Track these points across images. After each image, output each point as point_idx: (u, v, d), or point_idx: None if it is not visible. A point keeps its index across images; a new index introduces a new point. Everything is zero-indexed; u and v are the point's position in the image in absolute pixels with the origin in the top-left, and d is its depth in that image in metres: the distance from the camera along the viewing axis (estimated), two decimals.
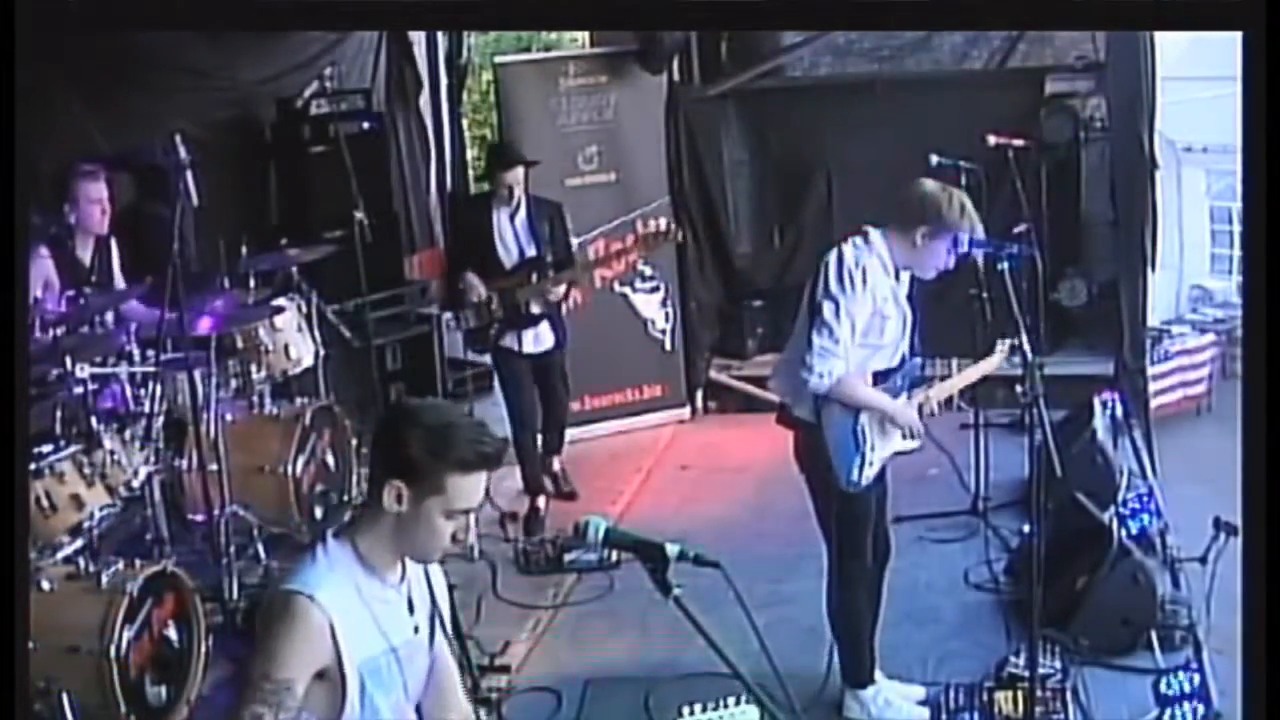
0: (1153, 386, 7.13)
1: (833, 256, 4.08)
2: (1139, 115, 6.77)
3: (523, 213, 6.09)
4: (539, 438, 6.44)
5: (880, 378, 4.16)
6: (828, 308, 4.02)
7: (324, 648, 2.46)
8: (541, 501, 6.34)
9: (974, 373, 4.51)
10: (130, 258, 5.83)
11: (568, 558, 5.77)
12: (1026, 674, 4.12)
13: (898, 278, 4.15)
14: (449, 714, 2.80)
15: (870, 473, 4.18)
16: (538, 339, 6.17)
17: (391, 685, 2.59)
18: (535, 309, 6.09)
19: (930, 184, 4.11)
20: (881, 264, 4.08)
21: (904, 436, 4.23)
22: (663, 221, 6.29)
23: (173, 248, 4.85)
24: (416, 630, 2.65)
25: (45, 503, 4.29)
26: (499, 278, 6.06)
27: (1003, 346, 4.31)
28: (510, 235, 6.09)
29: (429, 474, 2.46)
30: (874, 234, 4.11)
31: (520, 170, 6.05)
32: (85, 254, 5.57)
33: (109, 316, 5.45)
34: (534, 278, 6.05)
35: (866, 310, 4.05)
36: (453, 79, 9.04)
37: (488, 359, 6.88)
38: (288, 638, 2.44)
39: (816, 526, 4.39)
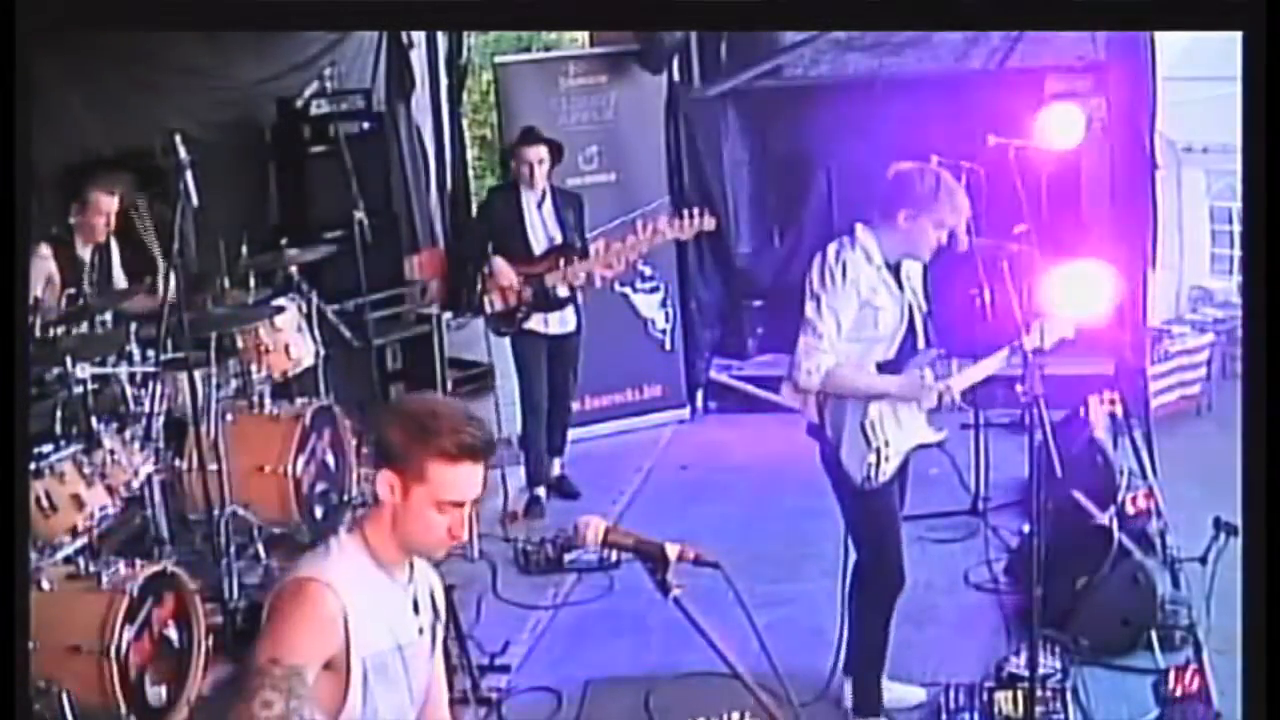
0: (1152, 386, 7.13)
1: (817, 257, 4.12)
2: (1139, 115, 6.78)
3: (549, 202, 6.27)
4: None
5: (885, 370, 4.12)
6: (810, 306, 4.06)
7: (335, 636, 2.45)
8: (541, 491, 6.38)
9: (1000, 358, 4.29)
10: (130, 258, 5.84)
11: (568, 558, 5.77)
12: (1026, 674, 4.11)
13: (896, 271, 4.13)
14: None
15: (888, 468, 4.10)
16: (563, 321, 6.34)
17: (395, 684, 2.58)
18: (562, 292, 6.25)
19: (900, 167, 4.12)
20: (865, 255, 4.08)
21: (929, 424, 4.18)
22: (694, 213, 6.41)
23: (173, 248, 4.85)
24: (421, 632, 2.65)
25: (45, 503, 4.28)
26: (528, 263, 6.19)
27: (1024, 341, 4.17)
28: (538, 222, 6.26)
29: (411, 463, 2.47)
30: (859, 229, 4.13)
31: (542, 149, 6.20)
32: (85, 253, 5.58)
33: (108, 316, 5.46)
34: (561, 263, 6.20)
35: (852, 304, 4.04)
36: (453, 79, 9.06)
37: (487, 359, 6.92)
38: (301, 623, 2.43)
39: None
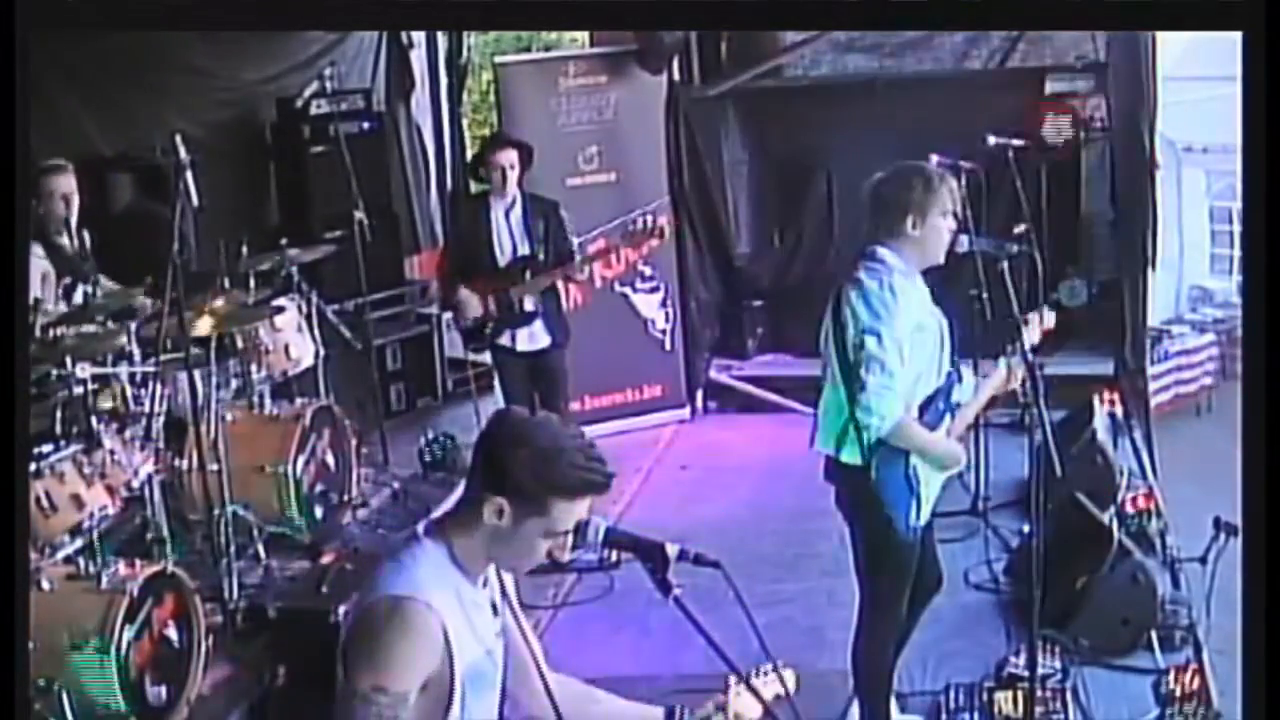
0: (1152, 386, 7.14)
1: (852, 291, 3.79)
2: (1139, 115, 6.79)
3: (518, 209, 6.02)
4: None
5: (926, 404, 3.88)
6: (871, 341, 3.71)
7: (438, 655, 2.37)
8: None
9: (987, 392, 4.11)
10: (127, 258, 5.82)
11: (568, 558, 5.76)
12: (1026, 674, 4.11)
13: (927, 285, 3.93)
14: (531, 694, 2.73)
15: (926, 511, 3.96)
16: (533, 337, 6.09)
17: (487, 688, 2.53)
18: (529, 306, 6.04)
19: (883, 180, 3.90)
20: (905, 276, 3.83)
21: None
22: (649, 218, 6.28)
23: (173, 248, 4.84)
24: (499, 635, 2.60)
25: (45, 503, 4.27)
26: (493, 276, 6.01)
27: (1009, 360, 4.05)
28: (505, 233, 6.03)
29: (532, 496, 2.39)
30: (883, 252, 3.84)
31: (512, 153, 5.95)
32: (64, 241, 5.51)
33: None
34: (527, 275, 5.99)
35: (908, 330, 3.75)
36: (453, 79, 9.06)
37: (488, 358, 6.90)
38: (405, 646, 2.33)
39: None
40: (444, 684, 2.40)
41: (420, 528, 2.52)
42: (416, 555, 2.44)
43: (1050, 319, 4.19)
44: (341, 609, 2.48)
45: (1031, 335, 4.12)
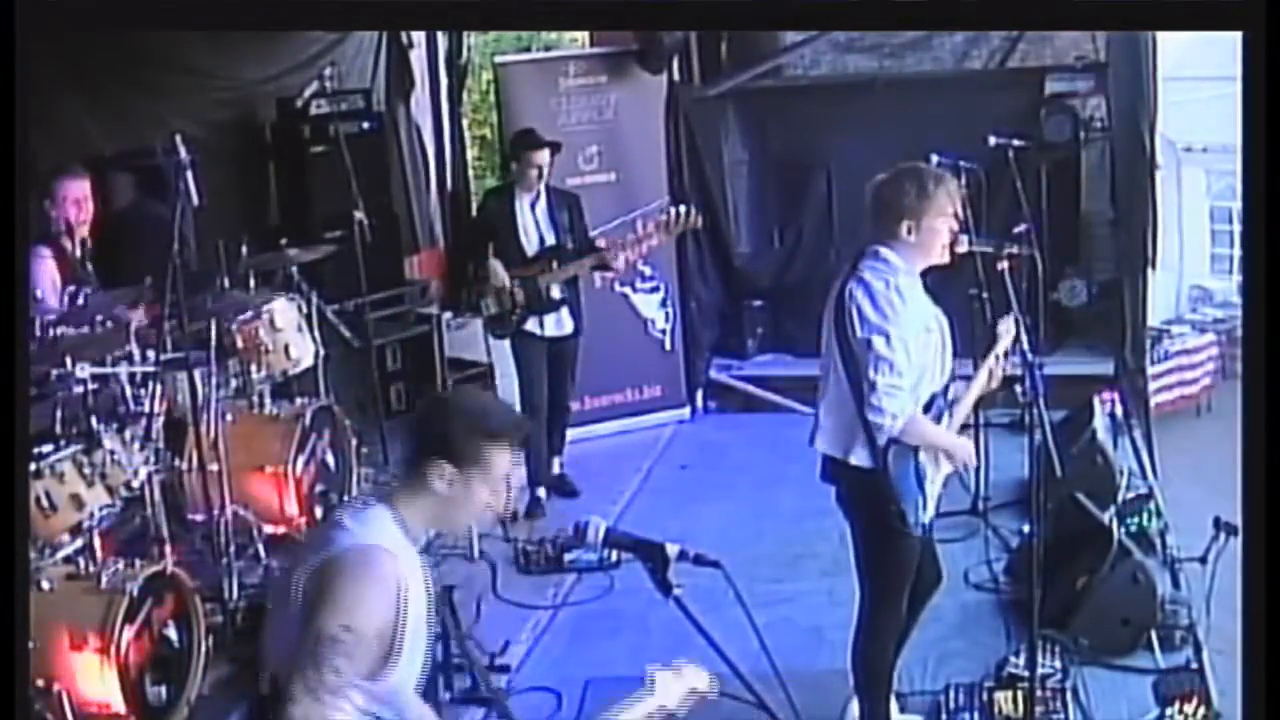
0: (1152, 386, 7.14)
1: (858, 290, 3.79)
2: (1139, 115, 6.78)
3: (543, 201, 6.24)
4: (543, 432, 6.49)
5: (928, 403, 3.88)
6: (879, 341, 3.71)
7: (396, 603, 2.52)
8: (542, 491, 6.40)
9: (980, 382, 4.13)
10: (127, 258, 5.82)
11: (568, 558, 5.77)
12: (1026, 674, 4.12)
13: (925, 285, 3.93)
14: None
15: (932, 509, 3.97)
16: (559, 323, 6.31)
17: (418, 653, 2.64)
18: (556, 294, 6.22)
19: (881, 183, 3.90)
20: (910, 277, 3.84)
21: (959, 466, 4.03)
22: (682, 209, 6.38)
23: (173, 248, 4.84)
24: (427, 608, 2.71)
25: (45, 503, 4.28)
26: (521, 265, 6.17)
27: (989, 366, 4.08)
28: (531, 223, 6.23)
29: (469, 449, 2.63)
30: (884, 251, 3.85)
31: (546, 153, 6.19)
32: (76, 250, 5.53)
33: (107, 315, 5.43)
34: (555, 265, 6.18)
35: (916, 330, 3.77)
36: (453, 79, 9.06)
37: (486, 359, 6.91)
38: (373, 590, 2.49)
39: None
40: (391, 635, 2.53)
41: (373, 498, 2.72)
42: (373, 517, 2.63)
43: (1013, 329, 4.15)
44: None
45: (1003, 343, 4.12)
